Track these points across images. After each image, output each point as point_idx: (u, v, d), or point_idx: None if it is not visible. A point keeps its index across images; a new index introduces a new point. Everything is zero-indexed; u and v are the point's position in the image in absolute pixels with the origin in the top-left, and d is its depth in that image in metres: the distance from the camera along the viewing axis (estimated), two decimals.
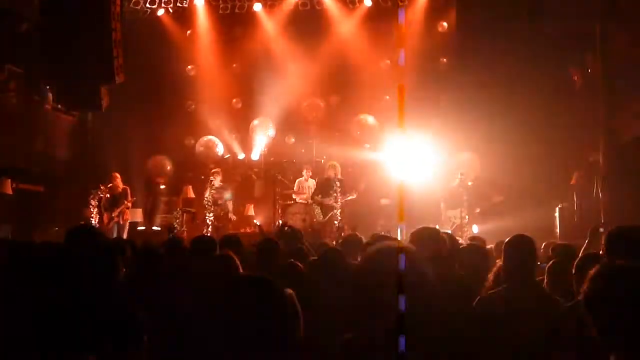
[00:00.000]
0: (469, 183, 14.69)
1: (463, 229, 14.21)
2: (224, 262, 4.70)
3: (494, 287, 4.91)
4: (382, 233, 10.74)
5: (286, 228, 8.24)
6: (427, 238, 5.11)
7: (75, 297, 4.17)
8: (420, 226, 5.34)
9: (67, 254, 4.67)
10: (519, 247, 4.83)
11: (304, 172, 16.69)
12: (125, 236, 14.68)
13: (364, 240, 7.44)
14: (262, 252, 6.09)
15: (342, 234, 14.21)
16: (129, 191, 15.25)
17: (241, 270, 4.65)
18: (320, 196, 15.30)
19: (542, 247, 7.84)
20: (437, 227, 14.61)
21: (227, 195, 15.89)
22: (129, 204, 15.37)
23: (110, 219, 14.89)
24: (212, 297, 4.18)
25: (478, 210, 14.89)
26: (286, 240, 7.59)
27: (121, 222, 15.03)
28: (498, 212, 15.19)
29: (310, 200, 15.80)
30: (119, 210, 15.00)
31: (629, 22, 12.53)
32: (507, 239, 4.98)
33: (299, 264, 5.45)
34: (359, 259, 5.95)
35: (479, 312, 4.62)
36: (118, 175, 15.27)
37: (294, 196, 16.42)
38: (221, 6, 17.73)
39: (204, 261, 5.11)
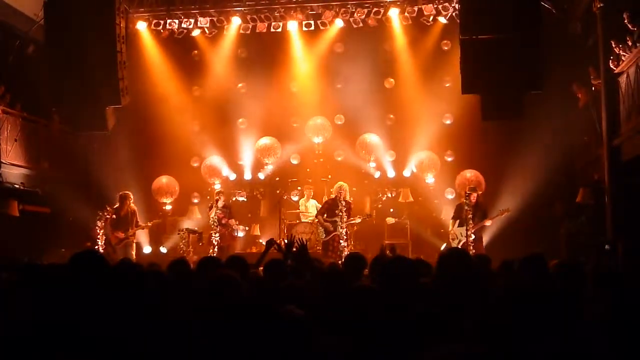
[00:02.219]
0: (474, 200, 14.63)
1: (469, 247, 14.15)
2: (225, 283, 4.66)
3: None
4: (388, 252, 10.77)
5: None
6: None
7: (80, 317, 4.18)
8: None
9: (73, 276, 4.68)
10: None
11: (305, 192, 16.89)
12: (134, 255, 14.86)
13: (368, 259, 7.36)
14: (268, 272, 6.07)
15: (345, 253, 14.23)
16: (137, 213, 15.34)
17: (244, 292, 4.61)
18: (325, 215, 15.32)
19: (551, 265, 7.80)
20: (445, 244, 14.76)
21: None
22: (146, 225, 15.58)
23: (121, 239, 14.93)
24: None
25: (488, 223, 14.77)
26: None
27: (133, 242, 15.14)
28: (504, 229, 15.19)
29: (315, 220, 15.88)
30: (134, 231, 15.08)
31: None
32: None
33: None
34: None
35: None
36: (130, 195, 15.33)
37: (301, 216, 16.59)
38: (226, 27, 17.79)
39: (206, 282, 5.05)
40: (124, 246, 14.91)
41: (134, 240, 15.25)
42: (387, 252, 11.36)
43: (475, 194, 14.70)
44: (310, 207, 16.77)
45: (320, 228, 15.42)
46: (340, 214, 14.83)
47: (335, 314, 4.26)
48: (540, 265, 5.32)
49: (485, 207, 14.86)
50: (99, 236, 14.67)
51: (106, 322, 4.19)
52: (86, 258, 4.72)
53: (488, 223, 14.65)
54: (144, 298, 4.95)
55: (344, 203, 14.96)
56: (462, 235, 14.63)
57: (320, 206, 16.04)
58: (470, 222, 14.22)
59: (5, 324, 4.44)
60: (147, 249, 16.90)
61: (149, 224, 15.82)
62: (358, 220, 15.50)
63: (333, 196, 15.35)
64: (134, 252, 15.06)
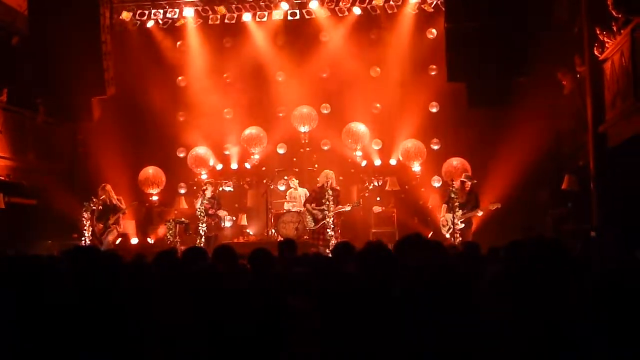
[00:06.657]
0: (468, 188, 14.70)
1: (456, 233, 14.19)
2: (209, 273, 4.64)
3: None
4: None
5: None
6: (411, 246, 5.06)
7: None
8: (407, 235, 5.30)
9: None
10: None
11: (290, 183, 16.80)
12: (110, 242, 14.92)
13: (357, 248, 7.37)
14: (255, 262, 6.06)
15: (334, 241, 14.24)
16: (122, 201, 15.28)
17: (229, 281, 4.59)
18: (314, 204, 15.31)
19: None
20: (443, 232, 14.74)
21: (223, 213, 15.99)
22: (125, 209, 15.53)
23: (105, 229, 14.89)
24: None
25: (480, 213, 14.82)
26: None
27: (114, 229, 15.09)
28: (491, 217, 15.25)
29: (302, 208, 15.86)
30: (114, 218, 15.03)
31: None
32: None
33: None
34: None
35: None
36: (108, 186, 15.27)
37: (285, 205, 16.47)
38: (211, 17, 17.74)
39: (191, 273, 5.01)
40: (106, 235, 14.90)
41: (115, 228, 15.20)
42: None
43: (469, 183, 14.78)
44: (300, 197, 16.65)
45: (309, 217, 15.40)
46: (328, 202, 14.83)
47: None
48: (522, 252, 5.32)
49: (477, 197, 14.93)
50: (85, 228, 14.65)
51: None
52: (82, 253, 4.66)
53: (479, 213, 14.72)
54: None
55: (330, 192, 14.96)
56: (449, 222, 14.70)
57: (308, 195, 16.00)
58: (458, 209, 14.29)
59: None
60: (134, 240, 16.87)
61: (126, 208, 15.73)
62: (347, 208, 15.47)
63: (320, 185, 15.34)
64: (111, 238, 15.04)
